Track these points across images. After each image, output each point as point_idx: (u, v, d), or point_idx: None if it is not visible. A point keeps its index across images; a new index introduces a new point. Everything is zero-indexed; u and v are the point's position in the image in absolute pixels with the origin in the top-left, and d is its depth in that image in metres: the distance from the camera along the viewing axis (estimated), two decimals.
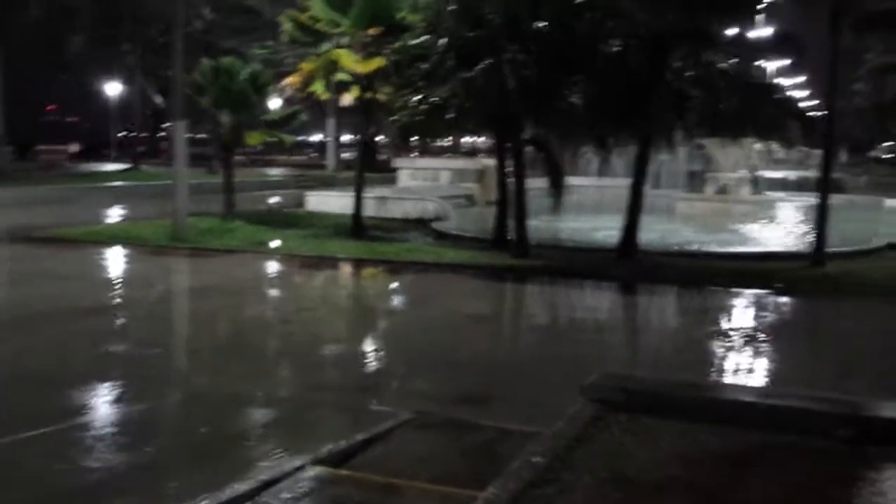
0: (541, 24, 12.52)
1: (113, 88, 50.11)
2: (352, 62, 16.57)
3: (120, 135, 62.31)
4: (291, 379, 6.72)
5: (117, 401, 5.90)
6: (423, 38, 13.83)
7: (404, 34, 16.73)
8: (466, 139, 57.94)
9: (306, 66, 17.13)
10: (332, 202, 23.27)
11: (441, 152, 39.84)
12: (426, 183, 28.43)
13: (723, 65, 12.69)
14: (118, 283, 12.11)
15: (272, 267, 13.68)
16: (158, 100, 39.45)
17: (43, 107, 69.89)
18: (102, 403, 5.80)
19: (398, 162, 31.90)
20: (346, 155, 47.67)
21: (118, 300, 10.38)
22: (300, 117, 20.68)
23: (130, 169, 36.10)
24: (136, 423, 5.31)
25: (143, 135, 43.62)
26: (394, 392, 6.15)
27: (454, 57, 12.85)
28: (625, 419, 3.84)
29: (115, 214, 21.31)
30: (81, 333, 8.42)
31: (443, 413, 5.41)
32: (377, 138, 22.90)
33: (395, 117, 16.23)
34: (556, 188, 14.74)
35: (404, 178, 29.80)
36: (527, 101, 12.42)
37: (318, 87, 17.39)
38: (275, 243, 15.51)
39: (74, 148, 67.47)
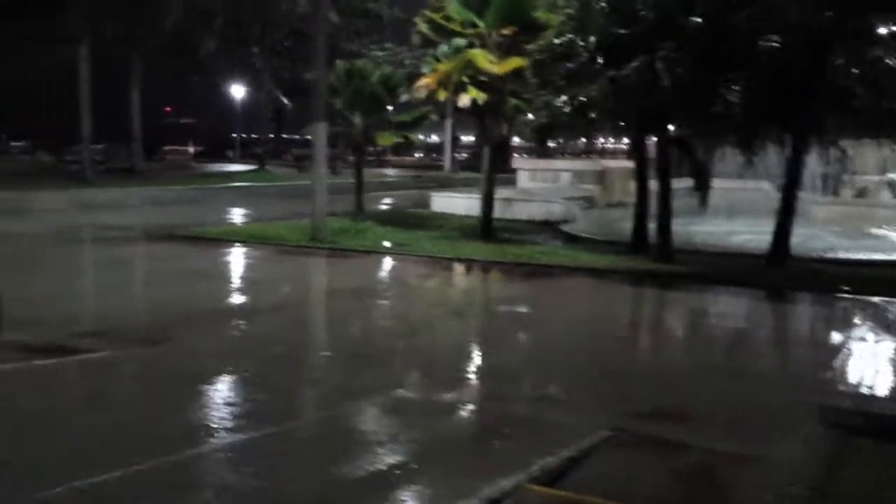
0: (695, 21, 12.03)
1: (237, 91, 51.68)
2: (487, 62, 16.40)
3: (240, 136, 64.25)
4: (469, 389, 6.53)
5: (293, 409, 5.83)
6: (566, 37, 13.49)
7: (541, 33, 16.51)
8: (581, 140, 57.32)
9: (441, 67, 17.06)
10: (458, 203, 23.23)
11: (552, 154, 39.37)
12: (545, 184, 28.11)
13: (890, 61, 11.91)
14: (269, 283, 12.24)
15: (411, 269, 13.61)
16: (284, 101, 40.33)
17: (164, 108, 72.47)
18: (284, 410, 5.73)
19: (517, 163, 31.65)
20: (458, 156, 47.99)
21: (274, 301, 10.47)
22: (430, 118, 20.69)
23: (257, 170, 37.00)
24: (329, 433, 5.18)
25: (266, 136, 44.54)
26: (579, 405, 5.89)
27: (603, 55, 12.48)
28: (870, 445, 3.48)
29: (248, 214, 21.79)
30: (249, 334, 8.49)
31: (641, 430, 5.13)
32: (510, 140, 22.64)
33: (532, 118, 16.06)
34: (701, 189, 14.20)
35: (523, 180, 29.56)
36: (679, 100, 11.96)
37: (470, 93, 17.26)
38: (404, 244, 15.47)
39: (194, 148, 70.03)
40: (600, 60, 12.62)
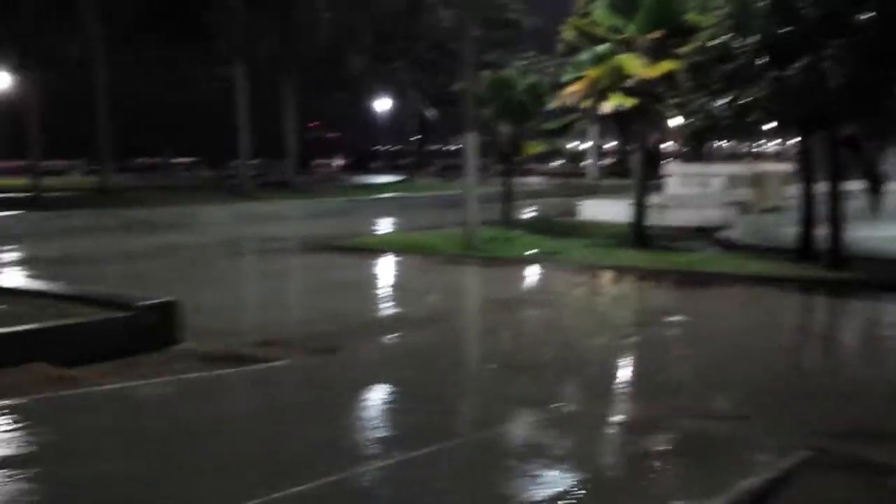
0: (864, 17, 11.37)
1: (382, 104, 52.82)
2: (638, 67, 16.08)
3: (383, 148, 65.70)
4: (646, 405, 6.34)
5: (468, 423, 5.81)
6: (723, 38, 13.02)
7: (692, 36, 16.05)
8: (727, 144, 55.44)
9: (590, 73, 16.85)
10: (608, 210, 22.81)
11: (704, 159, 38.00)
12: (696, 190, 27.27)
13: None
14: (426, 292, 12.35)
15: (566, 278, 13.45)
16: (429, 113, 40.90)
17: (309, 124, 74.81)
18: (459, 424, 5.72)
19: (667, 168, 30.83)
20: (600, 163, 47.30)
21: (434, 311, 10.58)
22: (578, 126, 20.46)
23: (403, 181, 37.65)
24: (503, 449, 5.12)
25: (411, 148, 45.28)
26: (769, 422, 5.61)
27: (766, 55, 11.97)
28: None
29: (399, 224, 22.15)
30: (415, 344, 8.60)
31: (842, 450, 4.82)
32: (661, 145, 22.16)
33: (686, 122, 15.61)
34: (875, 192, 13.40)
35: (673, 185, 28.75)
36: (848, 98, 11.32)
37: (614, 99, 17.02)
38: (556, 253, 15.29)
39: (339, 161, 72.04)
40: (762, 61, 12.09)
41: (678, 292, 12.19)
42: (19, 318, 7.45)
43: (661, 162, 21.85)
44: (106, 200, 24.00)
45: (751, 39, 12.11)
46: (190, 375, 6.71)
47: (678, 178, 28.79)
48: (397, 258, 15.18)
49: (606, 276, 13.39)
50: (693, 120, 15.23)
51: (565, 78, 22.60)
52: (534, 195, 34.60)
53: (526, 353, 8.02)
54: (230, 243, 19.13)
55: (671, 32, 16.64)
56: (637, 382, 7.12)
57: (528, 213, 25.87)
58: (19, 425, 5.18)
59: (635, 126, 17.64)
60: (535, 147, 20.30)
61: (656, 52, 16.42)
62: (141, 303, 7.82)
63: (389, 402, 6.17)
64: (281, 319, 9.85)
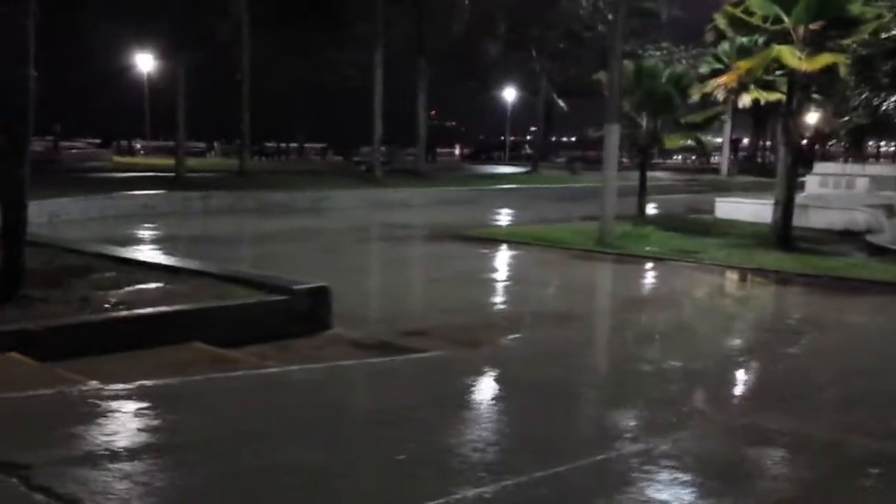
0: None
1: (508, 94, 52.63)
2: (795, 59, 15.29)
3: (504, 139, 65.39)
4: (826, 417, 5.91)
5: (648, 428, 5.51)
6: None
7: (857, 27, 15.19)
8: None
9: (743, 64, 16.15)
10: (745, 209, 22.00)
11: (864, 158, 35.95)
12: (837, 191, 25.99)
13: None
14: (565, 287, 12.17)
15: (711, 279, 12.90)
16: (560, 104, 40.43)
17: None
18: (635, 427, 5.44)
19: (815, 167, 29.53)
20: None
21: (579, 307, 10.32)
22: (723, 119, 19.71)
23: (528, 172, 37.35)
24: (702, 461, 4.81)
25: (536, 138, 44.87)
26: None
27: None
28: None
29: (526, 216, 21.85)
30: (562, 341, 8.36)
31: None
32: (816, 142, 21.08)
33: (845, 119, 14.81)
34: None
35: (812, 185, 27.52)
36: None
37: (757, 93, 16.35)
38: (694, 252, 14.70)
39: (457, 150, 72.38)
40: None
41: (828, 299, 11.46)
42: (178, 297, 7.59)
43: (813, 160, 20.80)
44: (244, 183, 24.64)
45: None
46: (348, 362, 6.66)
47: (819, 178, 27.53)
48: (528, 251, 14.95)
49: (751, 279, 12.77)
50: (854, 117, 14.39)
51: (705, 69, 21.89)
52: (664, 191, 33.73)
53: (680, 359, 7.63)
54: (362, 229, 19.35)
55: (831, 24, 15.82)
56: (803, 395, 6.65)
57: (658, 209, 25.16)
58: (186, 406, 5.22)
59: (785, 121, 16.78)
60: (676, 140, 19.67)
61: (814, 44, 15.63)
62: (297, 286, 7.86)
63: (548, 402, 5.93)
64: (420, 309, 9.79)
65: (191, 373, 6.13)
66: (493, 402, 5.83)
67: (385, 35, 27.54)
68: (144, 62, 42.74)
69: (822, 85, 16.84)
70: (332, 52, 34.32)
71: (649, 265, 13.78)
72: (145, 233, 16.81)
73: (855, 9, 15.49)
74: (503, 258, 14.44)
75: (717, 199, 23.41)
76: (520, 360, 7.61)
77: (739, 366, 7.67)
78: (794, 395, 6.52)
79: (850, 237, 18.44)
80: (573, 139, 75.73)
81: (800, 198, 22.24)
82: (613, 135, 15.60)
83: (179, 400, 5.32)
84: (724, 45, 41.43)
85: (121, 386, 5.46)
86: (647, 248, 14.94)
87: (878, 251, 15.79)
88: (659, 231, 17.58)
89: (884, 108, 13.11)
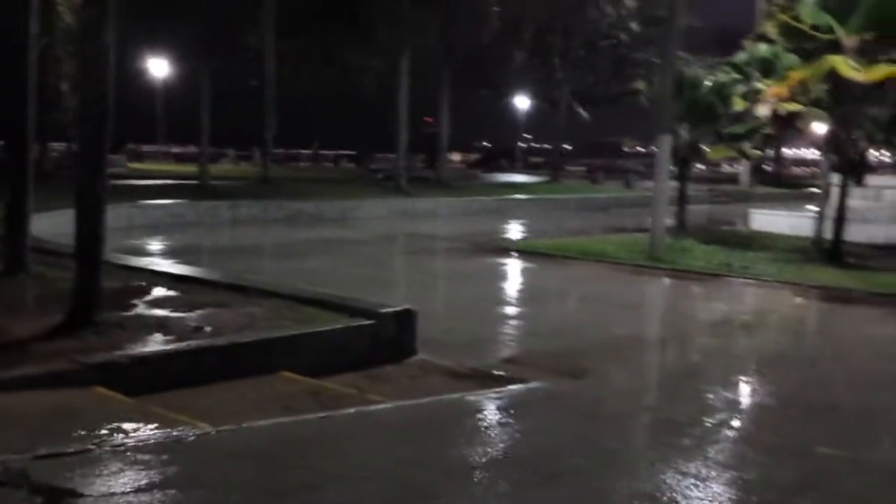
0: None
1: (522, 102, 52.14)
2: (851, 70, 14.79)
3: (524, 147, 64.79)
4: None
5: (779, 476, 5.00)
6: None
7: None
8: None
9: (796, 74, 15.66)
10: (782, 222, 21.50)
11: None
12: (866, 202, 25.52)
13: None
14: (644, 307, 11.86)
15: (779, 296, 12.38)
16: (582, 113, 39.97)
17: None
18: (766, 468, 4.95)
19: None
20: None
21: (671, 330, 9.92)
22: (767, 130, 19.18)
23: (549, 181, 36.85)
24: None
25: (557, 147, 44.37)
26: None
27: None
28: None
29: (561, 227, 21.36)
30: (664, 369, 7.91)
31: None
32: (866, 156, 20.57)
33: None
34: None
35: (836, 197, 27.03)
36: None
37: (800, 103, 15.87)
38: (745, 267, 14.18)
39: (456, 158, 71.56)
40: None
41: None
42: (260, 321, 7.07)
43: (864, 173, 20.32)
44: (269, 192, 24.09)
45: None
46: (454, 396, 6.16)
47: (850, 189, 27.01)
48: (578, 266, 14.43)
49: (825, 298, 12.21)
50: None
51: (725, 78, 21.25)
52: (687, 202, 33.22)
53: (810, 388, 7.12)
54: (400, 241, 18.90)
55: (885, 35, 15.37)
56: None
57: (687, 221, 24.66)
58: (323, 453, 4.69)
59: (834, 134, 16.34)
60: (721, 151, 19.17)
61: (864, 55, 15.17)
62: (383, 310, 7.34)
63: (677, 439, 5.42)
64: (497, 332, 9.27)
65: (297, 409, 5.62)
66: (626, 443, 5.32)
67: (415, 39, 27.08)
68: (158, 67, 42.22)
69: (874, 98, 16.32)
70: (352, 58, 33.78)
71: (709, 282, 13.26)
72: (179, 244, 16.29)
73: None
74: (557, 274, 13.94)
75: (752, 211, 22.94)
76: (630, 392, 7.10)
77: (870, 399, 7.13)
78: None
79: (894, 251, 17.95)
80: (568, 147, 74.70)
81: (831, 210, 21.83)
82: (665, 145, 15.11)
83: (310, 446, 4.81)
84: (742, 55, 41.11)
85: (233, 427, 4.96)
86: (719, 265, 14.39)
87: None
88: (700, 244, 17.09)
89: None
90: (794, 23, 15.80)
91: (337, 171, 43.88)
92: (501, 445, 5.06)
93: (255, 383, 6.23)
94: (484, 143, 79.91)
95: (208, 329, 6.71)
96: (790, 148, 62.22)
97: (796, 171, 65.85)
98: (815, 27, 15.73)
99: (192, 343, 6.26)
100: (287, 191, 24.85)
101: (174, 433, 4.76)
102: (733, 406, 6.61)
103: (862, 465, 5.14)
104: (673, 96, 18.62)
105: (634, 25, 35.24)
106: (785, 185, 48.29)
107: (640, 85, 19.38)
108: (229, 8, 25.45)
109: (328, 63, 33.25)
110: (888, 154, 24.46)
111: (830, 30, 15.53)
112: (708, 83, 18.80)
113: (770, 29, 16.45)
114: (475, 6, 28.88)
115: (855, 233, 20.18)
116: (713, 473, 4.69)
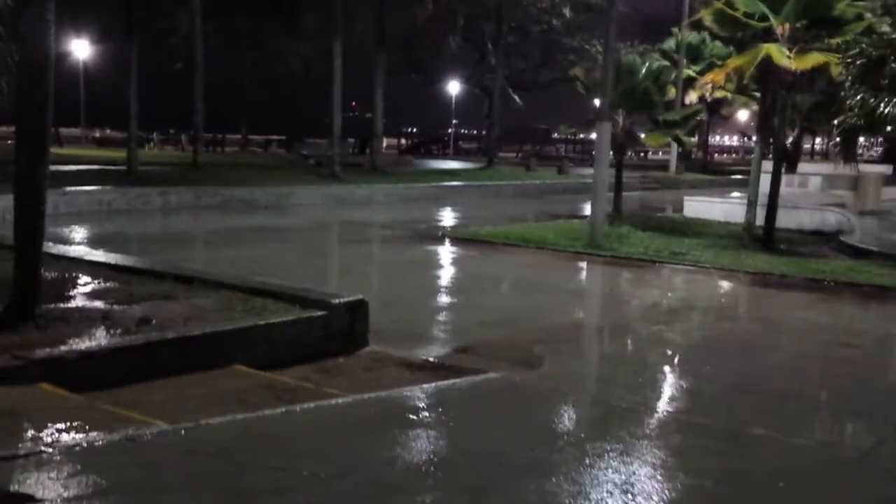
0: None
1: (452, 88, 52.13)
2: (784, 58, 15.11)
3: (454, 133, 64.75)
4: None
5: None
6: None
7: (844, 27, 15.10)
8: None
9: (733, 62, 15.94)
10: (716, 209, 21.89)
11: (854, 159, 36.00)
12: (791, 189, 26.18)
13: None
14: (588, 294, 11.96)
15: (721, 283, 12.54)
16: (516, 99, 40.01)
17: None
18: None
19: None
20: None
21: (615, 317, 9.93)
22: (700, 117, 19.49)
23: (485, 168, 36.82)
24: None
25: (490, 133, 44.39)
26: None
27: None
28: None
29: (500, 214, 21.36)
30: (622, 359, 7.93)
31: None
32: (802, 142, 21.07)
33: (842, 118, 14.66)
34: None
35: (766, 184, 27.69)
36: None
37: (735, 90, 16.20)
38: (680, 254, 14.40)
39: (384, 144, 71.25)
40: None
41: (852, 307, 11.20)
42: (209, 314, 6.85)
43: (797, 160, 20.83)
44: (200, 178, 23.45)
45: None
46: (415, 389, 6.03)
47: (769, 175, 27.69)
48: (520, 253, 14.44)
49: (762, 284, 12.45)
50: (848, 117, 14.26)
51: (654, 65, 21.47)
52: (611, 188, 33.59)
53: (752, 375, 7.20)
54: (339, 228, 18.64)
55: (816, 22, 15.74)
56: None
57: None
58: (285, 451, 4.53)
59: (773, 120, 16.67)
60: (657, 138, 19.38)
61: (797, 42, 15.53)
62: (335, 300, 7.18)
63: (636, 428, 5.42)
64: (449, 321, 9.23)
65: (254, 404, 5.44)
66: (593, 435, 5.29)
67: (349, 24, 26.67)
68: (80, 49, 40.84)
69: (805, 85, 16.73)
70: (280, 42, 33.17)
71: (650, 268, 13.41)
72: (110, 233, 15.77)
73: (842, 8, 15.38)
74: (500, 262, 13.91)
75: (686, 198, 23.27)
76: (587, 380, 7.12)
77: (810, 384, 7.27)
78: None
79: (824, 238, 18.37)
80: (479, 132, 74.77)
81: (762, 197, 22.33)
82: (605, 133, 15.19)
83: (274, 443, 4.65)
84: (671, 42, 41.63)
85: (191, 425, 4.76)
86: (657, 252, 14.54)
87: (861, 253, 15.67)
88: (636, 231, 17.27)
89: (882, 110, 12.88)
90: (729, 10, 16.05)
91: (267, 157, 42.99)
92: (469, 439, 4.98)
93: (207, 377, 6.03)
94: (413, 130, 79.77)
95: (155, 321, 6.47)
96: (714, 135, 63.58)
97: (720, 158, 67.33)
98: (748, 15, 16.02)
99: (141, 336, 6.01)
100: (219, 177, 24.27)
101: (130, 432, 4.55)
102: (685, 392, 6.68)
103: (792, 445, 5.29)
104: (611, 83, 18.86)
105: (566, 11, 35.39)
106: (711, 171, 49.39)
107: (578, 71, 19.40)
108: None
109: (255, 47, 32.56)
110: (820, 141, 25.26)
111: (764, 17, 15.85)
112: (644, 70, 18.98)
113: (706, 16, 16.64)
114: None
115: (784, 219, 20.69)
116: (677, 464, 4.71)
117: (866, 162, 34.18)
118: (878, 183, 26.45)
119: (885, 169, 28.86)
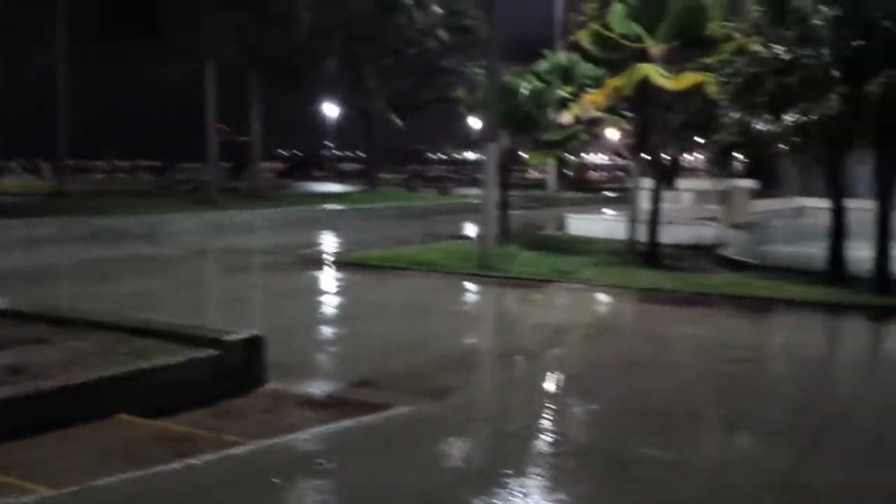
0: None
1: (330, 109, 51.50)
2: (661, 78, 15.47)
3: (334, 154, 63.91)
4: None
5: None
6: (779, 49, 12.41)
7: (716, 46, 15.57)
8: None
9: (612, 82, 16.18)
10: (598, 226, 22.24)
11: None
12: (666, 205, 26.95)
13: None
14: (486, 318, 11.77)
15: (611, 301, 12.63)
16: (397, 121, 39.75)
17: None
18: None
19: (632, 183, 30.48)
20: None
21: (516, 341, 9.72)
22: (580, 137, 19.74)
23: (367, 190, 36.43)
24: None
25: (373, 155, 44.05)
26: None
27: (840, 70, 11.40)
28: None
29: (388, 237, 20.99)
30: (532, 386, 7.72)
31: None
32: (678, 159, 21.63)
33: (720, 136, 15.07)
34: None
35: (642, 200, 28.41)
36: None
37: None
38: (568, 272, 14.48)
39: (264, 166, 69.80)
40: (834, 75, 11.52)
41: (741, 321, 11.37)
42: (88, 358, 6.25)
43: (677, 177, 21.37)
44: (67, 207, 22.19)
45: (824, 51, 11.51)
46: (329, 428, 5.65)
47: (645, 192, 28.43)
48: (411, 277, 14.20)
49: (651, 300, 12.54)
50: (724, 135, 14.68)
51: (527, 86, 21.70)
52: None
53: (656, 398, 7.11)
54: (219, 257, 17.86)
55: (688, 43, 16.19)
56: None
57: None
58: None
59: (653, 139, 17.04)
60: (540, 158, 19.50)
61: (672, 63, 15.94)
62: (228, 338, 6.70)
63: (559, 460, 5.22)
64: (346, 352, 8.87)
65: (145, 459, 4.93)
66: (517, 473, 5.04)
67: (221, 45, 25.88)
68: None
69: (680, 104, 17.15)
70: (150, 64, 31.95)
71: (540, 288, 13.39)
72: None
73: (713, 28, 15.87)
74: (391, 287, 13.61)
75: (569, 216, 23.56)
76: (495, 410, 6.87)
77: (706, 402, 7.25)
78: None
79: (702, 251, 18.83)
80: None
81: (641, 213, 22.83)
82: (492, 154, 15.15)
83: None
84: (544, 64, 42.39)
85: (76, 489, 4.24)
86: (547, 271, 14.52)
87: (738, 265, 16.09)
88: (523, 250, 17.31)
89: (758, 127, 13.30)
90: (605, 32, 16.32)
91: (136, 183, 41.31)
92: (389, 482, 4.64)
93: (89, 430, 5.47)
94: (294, 152, 78.53)
95: (26, 370, 5.85)
96: (587, 153, 65.18)
97: (594, 175, 69.05)
98: (624, 36, 16.34)
99: (11, 388, 5.39)
100: (87, 206, 22.98)
101: (6, 501, 4.00)
102: (597, 416, 6.54)
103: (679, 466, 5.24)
104: (490, 103, 18.88)
105: (442, 33, 35.52)
106: (585, 189, 50.57)
107: (460, 93, 19.36)
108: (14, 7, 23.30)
109: (124, 69, 31.27)
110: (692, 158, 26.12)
111: (639, 39, 16.20)
112: (524, 91, 19.07)
113: (583, 38, 16.87)
114: (283, 12, 27.99)
115: (662, 234, 21.17)
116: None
117: (731, 176, 35.59)
118: (746, 196, 27.53)
119: (752, 183, 30.09)
